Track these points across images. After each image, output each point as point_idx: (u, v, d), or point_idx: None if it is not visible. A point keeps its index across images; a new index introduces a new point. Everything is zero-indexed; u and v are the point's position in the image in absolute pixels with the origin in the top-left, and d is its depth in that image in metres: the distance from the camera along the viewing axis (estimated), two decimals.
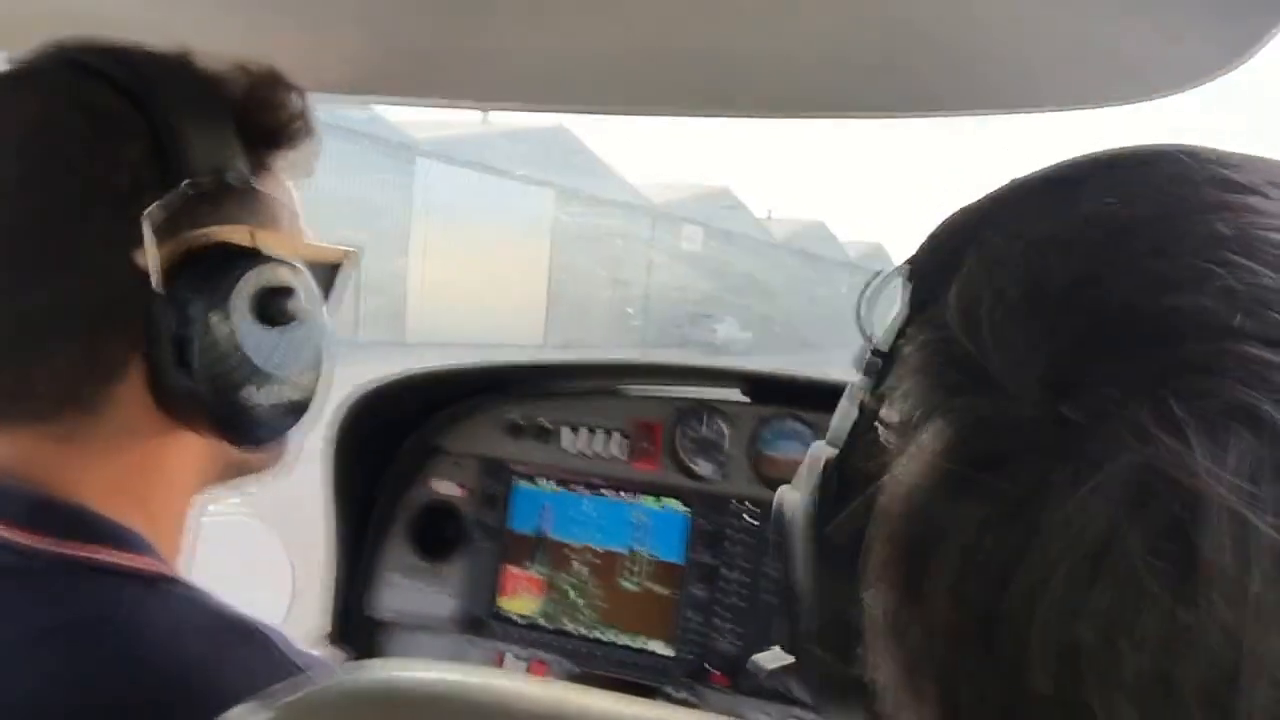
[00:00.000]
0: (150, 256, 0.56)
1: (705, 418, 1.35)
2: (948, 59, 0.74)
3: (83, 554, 0.56)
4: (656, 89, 0.89)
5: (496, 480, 1.40)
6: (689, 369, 1.42)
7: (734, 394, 1.36)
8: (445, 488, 1.42)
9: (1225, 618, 0.26)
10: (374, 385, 1.37)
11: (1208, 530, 0.26)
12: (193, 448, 0.63)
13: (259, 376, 0.59)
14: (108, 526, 0.58)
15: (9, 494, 0.57)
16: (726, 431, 1.34)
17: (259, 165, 0.64)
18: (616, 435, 1.37)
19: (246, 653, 0.56)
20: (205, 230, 0.59)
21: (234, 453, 0.65)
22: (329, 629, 1.43)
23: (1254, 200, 0.30)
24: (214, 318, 0.57)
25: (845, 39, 0.71)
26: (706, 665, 1.30)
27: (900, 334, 0.36)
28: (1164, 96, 0.73)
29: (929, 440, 0.31)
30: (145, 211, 0.55)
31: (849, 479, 0.37)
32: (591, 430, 1.37)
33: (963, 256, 0.34)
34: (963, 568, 0.29)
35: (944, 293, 0.33)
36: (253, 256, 0.59)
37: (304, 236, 0.69)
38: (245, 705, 0.39)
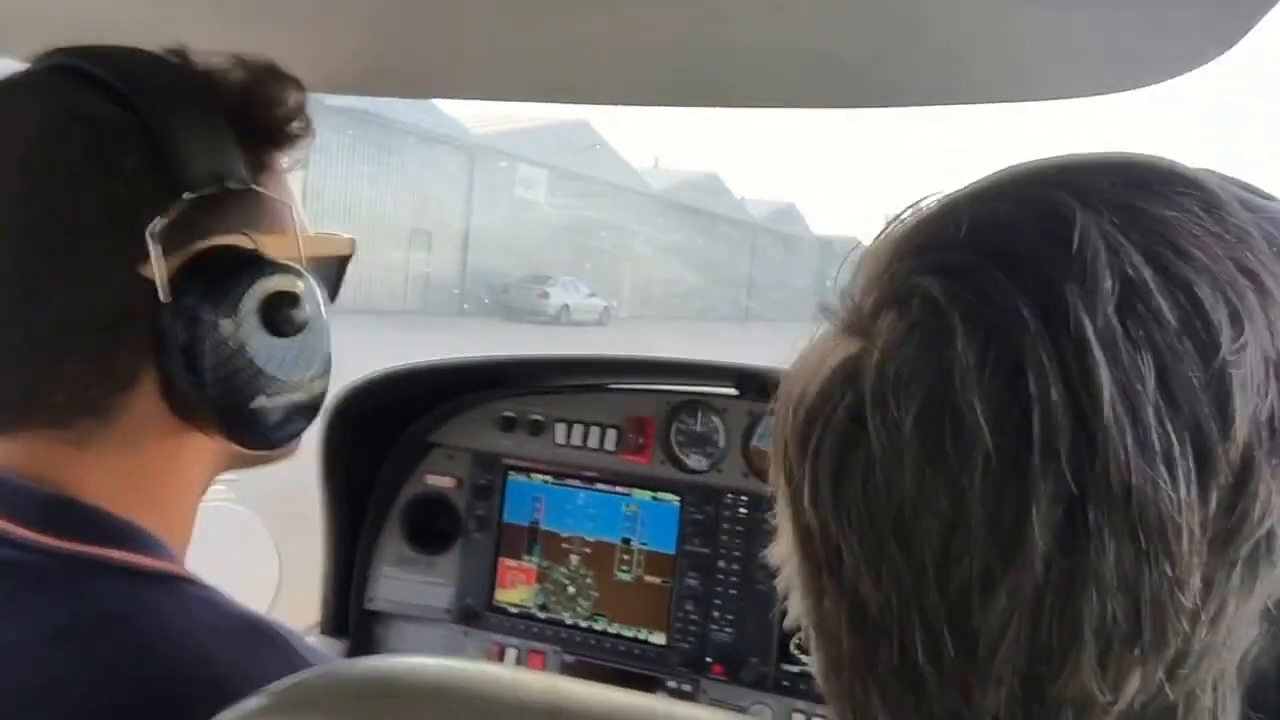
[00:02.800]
0: (157, 269, 0.56)
1: (698, 412, 1.36)
2: (938, 51, 0.74)
3: (99, 553, 0.57)
4: (655, 81, 0.90)
5: (490, 474, 1.41)
6: (681, 365, 1.42)
7: (726, 389, 1.37)
8: (439, 481, 1.42)
9: None
10: (367, 379, 1.37)
11: None
12: (203, 447, 0.63)
13: (272, 384, 0.60)
14: (123, 527, 0.59)
15: (25, 495, 0.58)
16: (719, 425, 1.34)
17: (260, 165, 0.63)
18: (609, 429, 1.37)
19: (262, 652, 0.57)
20: (209, 238, 0.59)
21: (244, 449, 0.65)
22: (321, 619, 1.44)
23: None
24: (224, 328, 0.57)
25: (835, 31, 0.71)
26: (705, 657, 1.30)
27: None
28: (1147, 86, 0.74)
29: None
30: (148, 225, 0.55)
31: None
32: (585, 425, 1.38)
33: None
34: None
35: None
36: (257, 264, 0.59)
37: (304, 229, 0.68)
38: (247, 699, 0.38)
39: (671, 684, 1.32)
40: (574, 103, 0.97)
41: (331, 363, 0.65)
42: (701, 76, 0.86)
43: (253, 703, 0.38)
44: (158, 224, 0.56)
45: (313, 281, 0.62)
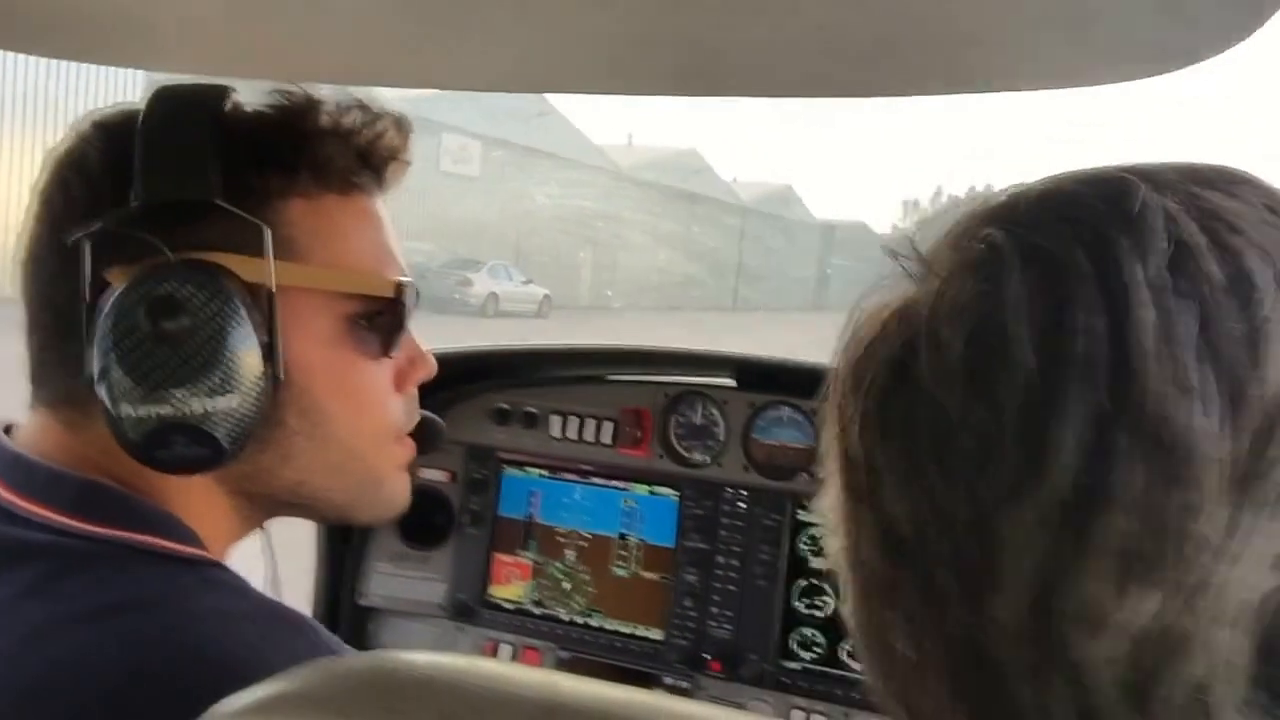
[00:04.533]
0: (83, 267, 0.59)
1: (697, 404, 1.34)
2: (947, 37, 0.73)
3: (136, 538, 0.59)
4: (651, 69, 0.88)
5: (484, 467, 1.39)
6: (679, 355, 1.41)
7: (726, 380, 1.36)
8: (433, 475, 1.40)
9: None
10: None
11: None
12: None
13: (134, 392, 0.58)
14: (153, 513, 0.61)
15: (58, 481, 0.61)
16: (719, 418, 1.33)
17: (264, 191, 0.63)
18: (605, 422, 1.36)
19: (293, 640, 0.59)
20: (183, 253, 0.60)
21: (271, 479, 0.65)
22: (312, 614, 1.42)
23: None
24: (105, 330, 0.58)
25: (840, 19, 0.70)
26: (703, 654, 1.29)
27: None
28: (1162, 74, 0.73)
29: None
30: (89, 226, 0.59)
31: None
32: (580, 417, 1.36)
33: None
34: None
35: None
36: (152, 271, 0.59)
37: (348, 261, 0.67)
38: (237, 695, 0.38)
39: (669, 680, 1.30)
40: (566, 92, 0.96)
41: (236, 386, 0.59)
42: (700, 64, 0.85)
43: (245, 697, 0.38)
44: (95, 225, 0.59)
45: (235, 298, 0.59)
